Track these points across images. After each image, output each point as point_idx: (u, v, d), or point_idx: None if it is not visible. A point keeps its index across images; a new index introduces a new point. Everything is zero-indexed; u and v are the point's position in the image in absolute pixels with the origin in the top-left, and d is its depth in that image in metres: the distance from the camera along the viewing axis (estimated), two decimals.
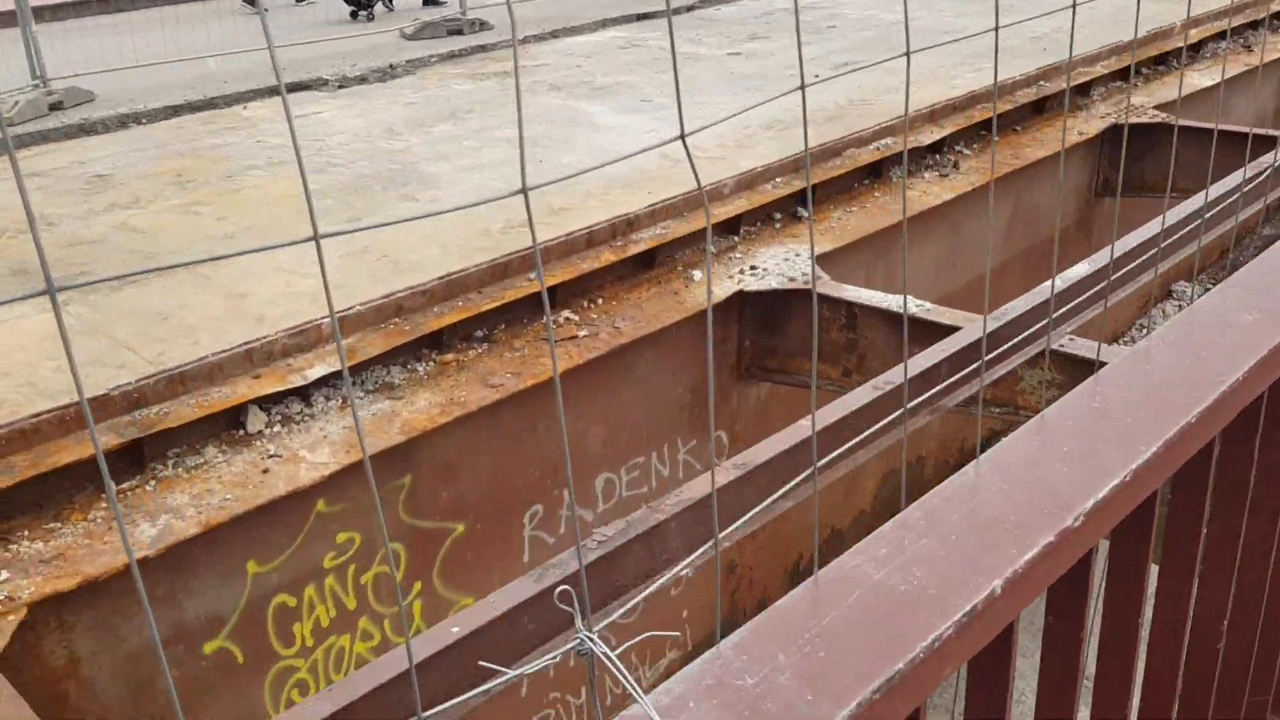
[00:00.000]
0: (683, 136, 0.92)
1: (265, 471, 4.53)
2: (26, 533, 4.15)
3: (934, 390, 4.30)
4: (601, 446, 5.93)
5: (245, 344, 4.81)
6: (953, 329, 5.21)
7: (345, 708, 2.99)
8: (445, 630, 3.22)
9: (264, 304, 5.57)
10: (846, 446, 3.65)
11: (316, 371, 4.84)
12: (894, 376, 4.51)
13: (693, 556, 3.63)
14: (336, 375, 4.98)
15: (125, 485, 4.43)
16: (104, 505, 4.34)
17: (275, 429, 4.78)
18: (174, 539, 4.23)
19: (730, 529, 3.64)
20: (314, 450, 4.65)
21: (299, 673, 4.92)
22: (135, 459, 4.51)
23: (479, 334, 5.49)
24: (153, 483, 4.49)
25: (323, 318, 5.05)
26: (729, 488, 3.90)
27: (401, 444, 4.81)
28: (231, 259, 6.29)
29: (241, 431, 4.75)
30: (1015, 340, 4.71)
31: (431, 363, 5.27)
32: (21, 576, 3.94)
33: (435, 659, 3.18)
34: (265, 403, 4.83)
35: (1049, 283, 5.35)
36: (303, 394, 4.89)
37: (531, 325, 5.66)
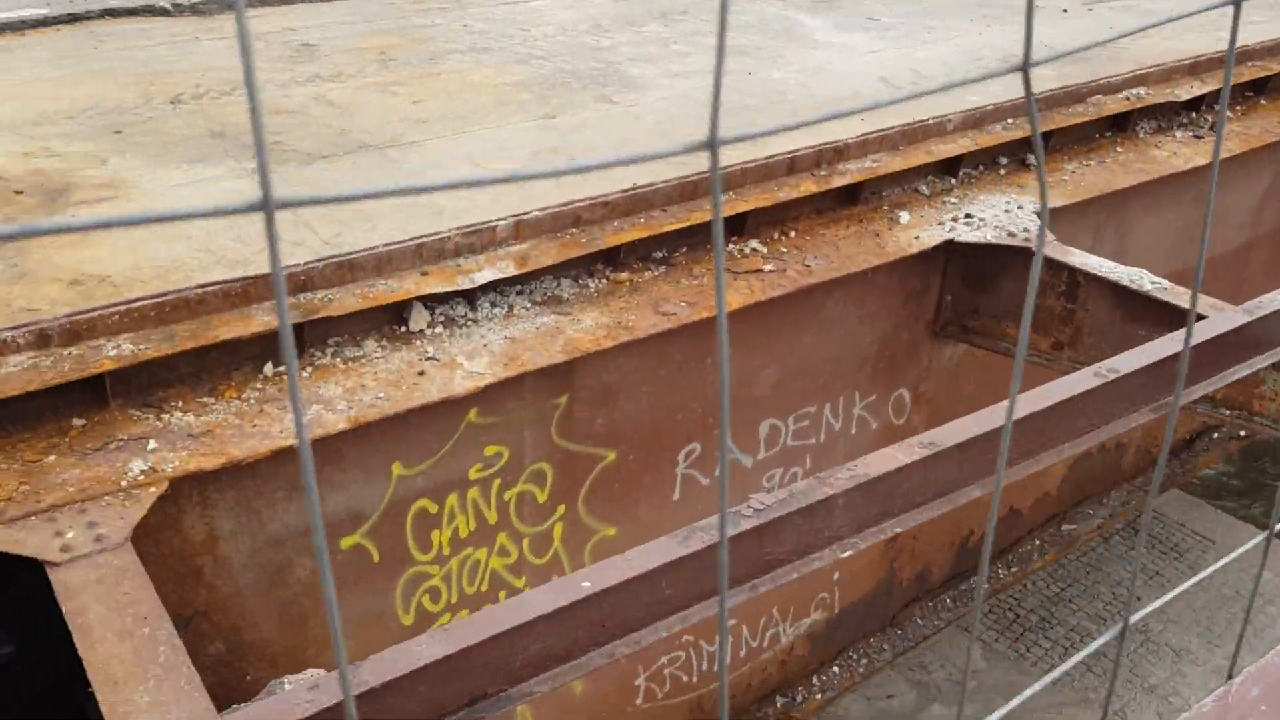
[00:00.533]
0: (1025, 68, 0.54)
1: (421, 374, 4.35)
2: (180, 404, 4.09)
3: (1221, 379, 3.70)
4: (771, 391, 5.54)
5: (417, 238, 4.60)
6: (1196, 316, 4.54)
7: (459, 652, 2.77)
8: (575, 583, 2.94)
9: (446, 195, 5.36)
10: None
11: (485, 275, 4.60)
12: (1120, 364, 3.92)
13: (856, 537, 3.21)
14: (506, 282, 4.73)
15: (281, 369, 4.32)
16: (259, 385, 4.24)
17: (437, 330, 4.58)
18: (322, 431, 4.10)
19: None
20: (472, 358, 4.44)
21: (432, 580, 4.81)
22: (295, 343, 4.38)
23: (658, 255, 5.14)
24: (309, 370, 4.37)
25: (495, 220, 4.79)
26: (913, 467, 3.46)
27: (562, 363, 4.54)
28: (423, 144, 6.11)
29: (403, 328, 4.57)
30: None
31: (604, 280, 4.97)
32: (169, 449, 3.88)
33: (562, 613, 2.92)
34: (430, 302, 4.63)
35: None
36: (469, 297, 4.66)
37: None
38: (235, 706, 3.94)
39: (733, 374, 5.33)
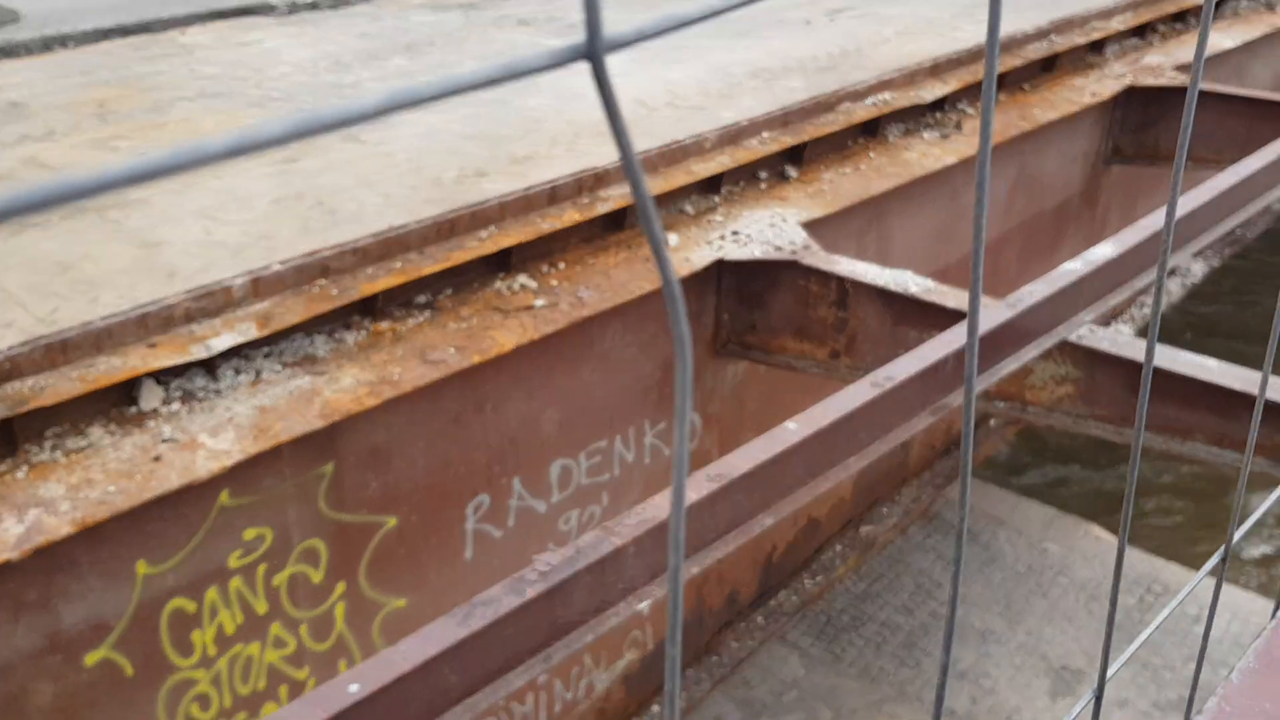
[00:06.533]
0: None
1: (157, 459, 3.86)
2: None
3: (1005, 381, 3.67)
4: (558, 430, 5.29)
5: (139, 308, 4.11)
6: (960, 314, 4.59)
7: None
8: (340, 689, 2.59)
9: (179, 255, 4.87)
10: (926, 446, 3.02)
11: (224, 341, 4.16)
12: (895, 371, 3.88)
13: (652, 585, 2.98)
14: (249, 346, 4.29)
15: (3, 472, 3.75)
16: None
17: (173, 407, 4.10)
18: (44, 539, 3.56)
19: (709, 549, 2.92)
20: (216, 435, 3.98)
21: (199, 685, 4.29)
22: (5, 440, 3.83)
23: (420, 300, 4.81)
24: (24, 469, 3.81)
25: (228, 279, 4.34)
26: (702, 503, 3.27)
27: (322, 429, 4.14)
28: (148, 201, 5.56)
29: (134, 409, 4.07)
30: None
31: (363, 332, 4.60)
32: None
33: None
34: (164, 376, 4.15)
35: (1069, 265, 4.74)
36: (208, 367, 4.20)
37: (482, 292, 4.98)
38: None
39: (516, 416, 5.05)
